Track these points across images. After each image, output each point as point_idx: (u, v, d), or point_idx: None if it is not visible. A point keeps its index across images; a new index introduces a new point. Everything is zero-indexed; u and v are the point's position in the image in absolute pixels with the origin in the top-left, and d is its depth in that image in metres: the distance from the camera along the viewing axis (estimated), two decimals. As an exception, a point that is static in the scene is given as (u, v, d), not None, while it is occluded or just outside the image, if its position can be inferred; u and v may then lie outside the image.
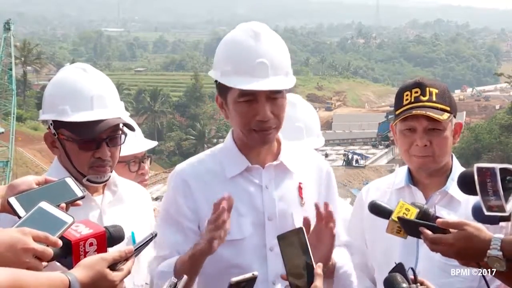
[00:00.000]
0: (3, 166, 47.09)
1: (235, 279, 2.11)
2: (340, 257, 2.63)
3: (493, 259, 2.14)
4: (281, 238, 2.27)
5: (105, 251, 2.04)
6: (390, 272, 2.24)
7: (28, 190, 2.21)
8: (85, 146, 2.55)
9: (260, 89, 2.41)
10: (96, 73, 2.64)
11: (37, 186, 2.24)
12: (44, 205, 2.03)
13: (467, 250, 2.20)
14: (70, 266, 1.98)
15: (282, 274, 2.27)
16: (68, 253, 1.99)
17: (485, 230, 2.21)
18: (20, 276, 1.76)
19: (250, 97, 2.44)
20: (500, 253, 2.14)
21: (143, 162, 3.42)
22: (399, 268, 2.25)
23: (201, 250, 2.33)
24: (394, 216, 2.32)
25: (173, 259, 2.46)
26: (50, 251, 1.88)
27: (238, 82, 2.43)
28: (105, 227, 2.08)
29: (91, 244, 2.01)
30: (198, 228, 2.53)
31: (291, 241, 2.27)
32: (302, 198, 2.59)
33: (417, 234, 2.28)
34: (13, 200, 2.14)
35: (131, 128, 2.65)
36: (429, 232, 2.24)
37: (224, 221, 2.29)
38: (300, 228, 2.28)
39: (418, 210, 2.31)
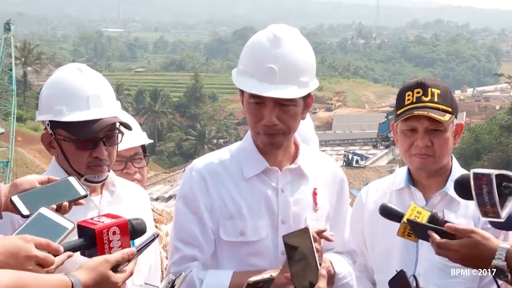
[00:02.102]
0: (3, 166, 47.15)
1: (252, 279, 2.10)
2: (343, 266, 2.59)
3: (497, 269, 2.11)
4: (287, 238, 2.26)
5: (129, 241, 2.04)
6: (391, 281, 2.21)
7: (31, 189, 2.20)
8: (82, 146, 2.54)
9: (261, 94, 2.38)
10: (92, 73, 2.64)
11: (40, 185, 2.23)
12: (44, 211, 2.02)
13: (471, 258, 2.17)
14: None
15: (286, 274, 2.26)
16: (92, 244, 1.98)
17: (492, 239, 2.18)
18: (23, 278, 1.76)
19: (258, 100, 2.41)
20: (505, 263, 2.10)
21: (131, 161, 3.29)
22: (400, 276, 2.23)
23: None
24: (406, 219, 2.29)
25: (223, 281, 2.41)
26: (52, 258, 1.88)
27: (243, 82, 2.42)
28: (128, 219, 2.07)
29: (114, 233, 2.01)
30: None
31: (296, 241, 2.25)
32: (316, 203, 2.57)
33: (425, 237, 2.25)
34: (16, 199, 2.13)
35: (128, 127, 2.64)
36: (436, 236, 2.21)
37: None
38: (306, 228, 2.26)
39: (429, 213, 2.28)
